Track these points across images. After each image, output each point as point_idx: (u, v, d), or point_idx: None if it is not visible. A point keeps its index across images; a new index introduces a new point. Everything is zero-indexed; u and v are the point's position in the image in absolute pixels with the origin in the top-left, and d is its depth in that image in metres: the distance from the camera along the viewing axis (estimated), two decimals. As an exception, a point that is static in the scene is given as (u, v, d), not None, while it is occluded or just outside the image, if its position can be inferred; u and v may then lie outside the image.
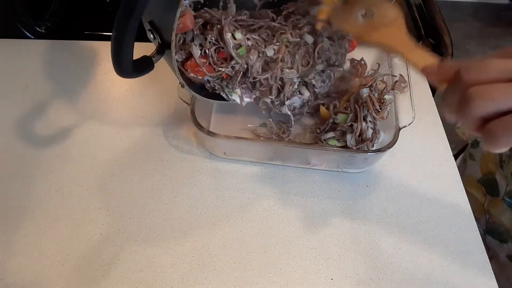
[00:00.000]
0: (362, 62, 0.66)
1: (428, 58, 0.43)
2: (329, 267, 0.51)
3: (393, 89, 0.60)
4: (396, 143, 0.54)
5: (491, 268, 0.51)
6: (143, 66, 0.47)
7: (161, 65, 0.49)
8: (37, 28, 0.80)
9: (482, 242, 0.54)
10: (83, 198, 0.56)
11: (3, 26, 0.79)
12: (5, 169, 0.59)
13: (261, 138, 0.62)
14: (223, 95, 0.57)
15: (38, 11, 0.82)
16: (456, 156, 0.80)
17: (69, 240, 0.52)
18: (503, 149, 0.31)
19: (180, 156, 0.62)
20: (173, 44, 0.46)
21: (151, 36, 0.48)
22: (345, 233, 0.54)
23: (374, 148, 0.57)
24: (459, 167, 0.79)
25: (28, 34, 0.79)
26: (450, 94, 0.34)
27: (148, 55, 0.48)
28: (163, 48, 0.48)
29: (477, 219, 0.70)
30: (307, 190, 0.58)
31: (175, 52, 0.48)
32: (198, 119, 0.56)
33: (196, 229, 0.54)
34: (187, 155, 0.62)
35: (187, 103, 0.58)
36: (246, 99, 0.58)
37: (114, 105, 0.68)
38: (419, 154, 0.63)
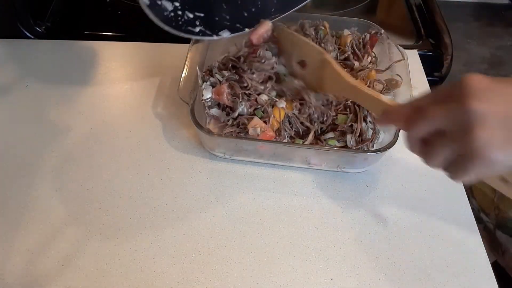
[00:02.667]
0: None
1: (381, 102, 0.44)
2: (329, 267, 0.51)
3: (389, 88, 0.60)
4: (396, 143, 0.54)
5: (491, 269, 0.51)
6: None
7: (161, 66, 0.49)
8: (37, 28, 0.80)
9: (482, 243, 0.54)
10: (83, 198, 0.56)
11: (3, 26, 0.79)
12: (5, 169, 0.59)
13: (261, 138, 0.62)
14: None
15: (38, 11, 0.82)
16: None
17: (69, 240, 0.52)
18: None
19: (180, 156, 0.62)
20: None
21: None
22: (345, 233, 0.54)
23: (374, 148, 0.57)
24: None
25: (28, 34, 0.79)
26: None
27: None
28: None
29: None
30: (307, 190, 0.58)
31: None
32: (198, 119, 0.56)
33: (196, 229, 0.54)
34: (187, 155, 0.62)
35: (187, 103, 0.58)
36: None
37: (114, 105, 0.68)
38: (419, 154, 0.63)
